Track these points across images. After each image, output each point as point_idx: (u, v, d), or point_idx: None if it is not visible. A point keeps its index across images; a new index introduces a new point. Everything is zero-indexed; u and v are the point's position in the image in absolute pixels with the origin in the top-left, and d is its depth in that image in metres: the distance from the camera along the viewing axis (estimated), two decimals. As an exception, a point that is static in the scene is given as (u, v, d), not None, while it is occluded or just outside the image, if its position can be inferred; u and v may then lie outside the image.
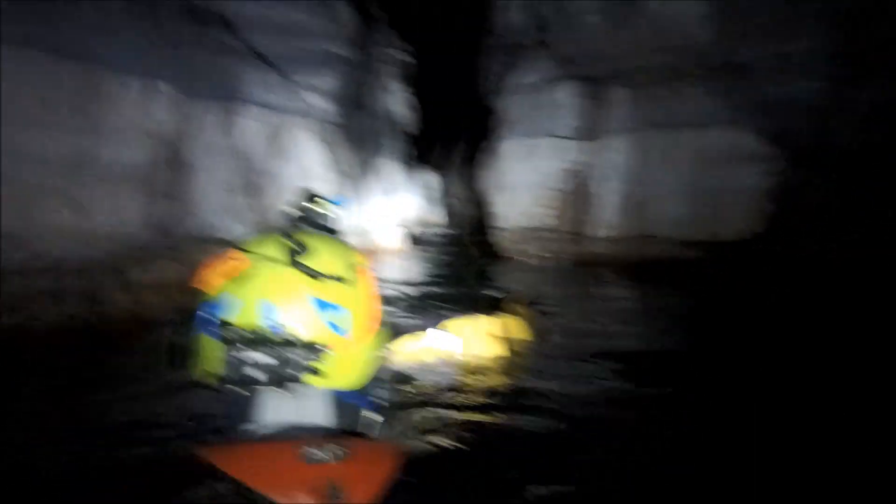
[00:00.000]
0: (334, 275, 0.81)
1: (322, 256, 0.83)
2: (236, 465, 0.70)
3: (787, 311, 6.35)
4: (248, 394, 0.79)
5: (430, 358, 4.48)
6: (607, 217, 10.30)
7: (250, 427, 0.80)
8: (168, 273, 6.66)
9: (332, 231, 1.03)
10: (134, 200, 5.88)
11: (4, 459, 3.08)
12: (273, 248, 0.81)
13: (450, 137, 28.30)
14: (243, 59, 7.82)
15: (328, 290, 0.80)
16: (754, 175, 8.68)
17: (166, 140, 6.19)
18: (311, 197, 1.04)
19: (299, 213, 1.02)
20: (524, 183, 11.20)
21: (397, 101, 15.60)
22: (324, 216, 1.04)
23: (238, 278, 0.80)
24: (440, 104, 25.07)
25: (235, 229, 7.82)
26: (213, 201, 7.48)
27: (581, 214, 10.82)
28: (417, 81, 20.70)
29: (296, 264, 0.79)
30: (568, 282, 9.75)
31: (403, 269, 11.67)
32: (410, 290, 8.02)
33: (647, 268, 9.54)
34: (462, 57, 21.48)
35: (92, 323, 5.62)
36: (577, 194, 10.89)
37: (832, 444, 3.12)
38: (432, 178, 23.41)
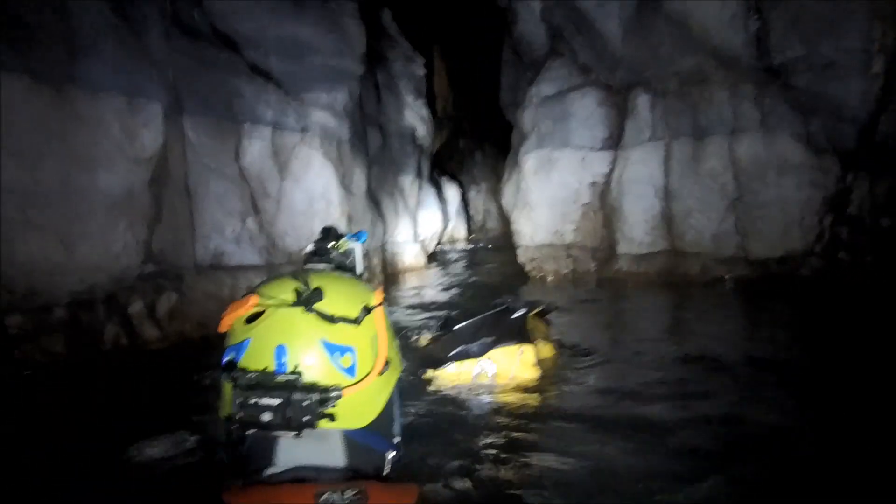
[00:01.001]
0: (345, 317, 0.82)
1: (334, 298, 0.83)
2: None
3: (842, 334, 5.76)
4: (256, 435, 0.80)
5: (465, 386, 4.41)
6: (634, 233, 9.73)
7: (269, 470, 0.80)
8: (171, 304, 6.34)
9: (350, 269, 1.04)
10: (128, 230, 5.53)
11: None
12: (287, 292, 0.82)
13: (470, 152, 28.08)
14: (246, 77, 7.51)
15: (338, 333, 0.81)
16: (794, 185, 8.04)
17: (160, 164, 5.85)
18: (330, 234, 1.06)
19: (317, 251, 1.03)
20: (546, 197, 10.69)
21: (414, 117, 15.27)
22: (342, 254, 1.05)
23: (252, 321, 0.81)
24: (460, 118, 24.82)
25: (245, 255, 7.49)
26: (220, 227, 7.17)
27: (606, 230, 10.27)
28: (435, 95, 20.44)
29: (308, 307, 0.80)
30: (591, 298, 9.32)
31: (428, 288, 11.36)
32: (438, 315, 7.74)
33: (678, 286, 8.99)
34: (480, 69, 21.17)
35: (88, 361, 5.30)
36: (601, 209, 10.36)
37: None
38: (454, 194, 22.96)
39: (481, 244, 23.07)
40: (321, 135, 8.67)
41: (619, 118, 10.00)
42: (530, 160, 10.96)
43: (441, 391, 4.39)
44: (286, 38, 8.23)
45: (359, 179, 10.07)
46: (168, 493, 3.04)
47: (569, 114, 10.54)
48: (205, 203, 6.92)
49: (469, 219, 26.73)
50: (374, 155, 12.07)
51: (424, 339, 5.63)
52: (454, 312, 7.51)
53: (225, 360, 0.81)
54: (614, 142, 10.12)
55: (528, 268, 11.12)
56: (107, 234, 5.47)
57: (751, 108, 8.28)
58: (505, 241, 13.18)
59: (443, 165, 25.10)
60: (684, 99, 8.93)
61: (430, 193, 17.28)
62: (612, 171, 10.08)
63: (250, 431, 0.79)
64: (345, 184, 9.32)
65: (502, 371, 4.45)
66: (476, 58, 21.83)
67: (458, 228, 24.83)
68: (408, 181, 14.58)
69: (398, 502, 0.80)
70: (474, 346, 4.58)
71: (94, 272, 5.38)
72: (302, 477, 0.81)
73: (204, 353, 6.25)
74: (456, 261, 17.46)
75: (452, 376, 4.48)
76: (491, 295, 9.37)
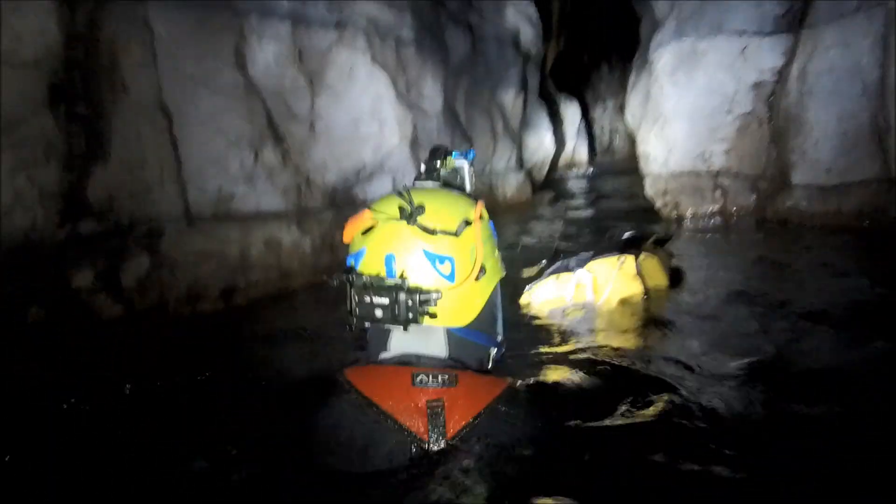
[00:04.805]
0: (445, 230, 1.00)
1: (435, 212, 1.01)
2: (365, 382, 0.94)
3: None
4: (375, 327, 1.02)
5: (564, 300, 4.19)
6: (821, 153, 6.66)
7: (383, 355, 1.03)
8: (142, 272, 4.66)
9: (459, 187, 1.21)
10: (19, 172, 3.71)
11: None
12: (393, 208, 1.01)
13: (595, 63, 24.53)
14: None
15: (439, 243, 0.99)
16: None
17: (80, 72, 3.93)
18: (438, 152, 1.20)
19: (426, 170, 1.19)
20: (686, 107, 7.76)
21: (518, 17, 12.44)
22: (450, 172, 1.20)
23: (367, 232, 1.02)
24: (581, 22, 21.30)
25: (263, 199, 5.64)
26: (221, 162, 5.30)
27: (775, 150, 7.25)
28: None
29: (411, 221, 0.99)
30: (745, 245, 6.69)
31: (527, 224, 9.18)
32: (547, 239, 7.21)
33: (891, 234, 5.95)
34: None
35: None
36: (768, 120, 7.31)
37: None
38: (574, 112, 19.86)
39: (606, 169, 19.97)
40: (368, 32, 6.43)
41: (804, -19, 6.75)
42: (665, 56, 7.99)
43: (536, 313, 4.17)
44: None
45: (431, 93, 7.77)
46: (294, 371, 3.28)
47: (723, -17, 7.40)
48: (193, 129, 5.03)
49: (593, 140, 23.69)
50: (460, 63, 9.61)
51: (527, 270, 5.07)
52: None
53: (347, 265, 1.02)
54: (794, 18, 6.90)
55: (658, 204, 8.37)
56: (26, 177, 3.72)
57: None
58: (633, 165, 10.32)
59: (561, 80, 22.02)
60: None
61: (540, 112, 14.53)
62: (788, 63, 6.93)
63: (366, 324, 1.00)
64: (408, 98, 7.09)
65: (600, 282, 4.15)
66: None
67: (580, 151, 21.97)
68: (509, 97, 11.97)
69: (486, 390, 0.94)
70: (572, 261, 4.42)
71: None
72: (408, 362, 1.00)
73: (181, 329, 4.59)
74: (572, 191, 14.76)
75: (548, 292, 4.27)
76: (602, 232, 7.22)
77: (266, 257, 5.52)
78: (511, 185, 11.67)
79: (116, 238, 4.42)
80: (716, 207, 7.84)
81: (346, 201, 6.44)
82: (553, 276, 4.33)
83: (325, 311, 4.98)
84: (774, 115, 7.15)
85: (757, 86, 7.26)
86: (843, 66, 6.25)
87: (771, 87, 7.18)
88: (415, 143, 7.13)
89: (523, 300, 4.35)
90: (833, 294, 4.28)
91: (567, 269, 4.35)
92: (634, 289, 4.17)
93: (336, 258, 6.16)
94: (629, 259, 4.23)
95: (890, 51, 5.82)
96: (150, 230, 4.69)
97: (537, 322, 4.06)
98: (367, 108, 6.42)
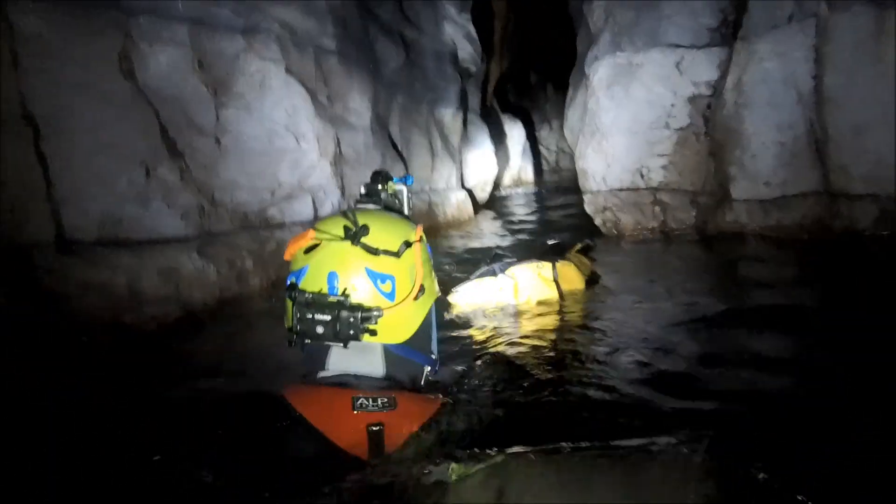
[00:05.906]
0: (387, 250, 1.01)
1: (379, 233, 1.03)
2: (305, 404, 0.91)
3: None
4: (313, 345, 0.99)
5: (487, 301, 4.44)
6: (760, 165, 6.48)
7: (321, 373, 1.02)
8: None
9: (399, 210, 1.23)
10: None
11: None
12: (338, 228, 1.01)
13: (541, 85, 24.67)
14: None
15: (381, 263, 1.00)
16: None
17: None
18: (380, 177, 1.21)
19: (368, 192, 1.19)
20: (624, 121, 7.53)
21: (457, 34, 12.16)
22: (391, 195, 1.21)
23: (310, 251, 1.01)
24: (525, 45, 21.31)
25: (159, 223, 5.00)
26: (106, 180, 4.65)
27: (714, 164, 7.06)
28: (493, 14, 17.10)
29: (355, 241, 0.99)
30: (677, 259, 6.52)
31: (478, 237, 8.83)
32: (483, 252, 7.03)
33: (834, 246, 5.77)
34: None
35: None
36: (706, 133, 7.12)
37: None
38: (518, 132, 19.74)
39: (552, 188, 19.86)
40: (283, 39, 5.92)
41: (738, -7, 6.61)
42: (601, 69, 7.76)
43: (462, 314, 4.35)
44: None
45: (358, 107, 7.28)
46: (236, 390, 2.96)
47: (658, -4, 7.22)
48: (69, 143, 4.38)
49: (539, 160, 23.77)
50: (393, 77, 9.18)
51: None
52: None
53: (288, 282, 1.01)
54: (729, 31, 6.76)
55: (598, 220, 8.09)
56: None
57: None
58: (576, 184, 10.09)
59: (506, 100, 21.98)
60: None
61: (482, 131, 14.25)
62: (724, 75, 6.76)
63: (307, 341, 0.97)
64: (330, 112, 6.59)
65: (521, 286, 4.44)
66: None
67: (526, 170, 21.98)
68: (448, 114, 11.60)
69: (423, 410, 0.94)
70: (496, 267, 4.68)
71: None
72: (346, 382, 0.99)
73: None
74: (516, 209, 14.47)
75: (471, 294, 4.48)
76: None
77: (161, 288, 4.87)
78: (451, 203, 11.25)
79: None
80: (656, 223, 7.59)
81: (260, 223, 5.87)
82: (477, 280, 4.59)
83: (231, 344, 4.47)
84: (712, 128, 6.96)
85: (694, 98, 7.08)
86: (779, 75, 6.09)
87: (708, 100, 7.00)
88: (338, 160, 6.63)
89: (450, 300, 4.55)
90: (744, 299, 4.46)
91: (491, 273, 4.63)
92: (551, 292, 4.52)
93: (247, 287, 5.57)
94: (546, 265, 4.64)
95: (823, 61, 5.67)
96: (13, 258, 4.01)
97: (461, 324, 4.18)
98: (282, 122, 5.88)
